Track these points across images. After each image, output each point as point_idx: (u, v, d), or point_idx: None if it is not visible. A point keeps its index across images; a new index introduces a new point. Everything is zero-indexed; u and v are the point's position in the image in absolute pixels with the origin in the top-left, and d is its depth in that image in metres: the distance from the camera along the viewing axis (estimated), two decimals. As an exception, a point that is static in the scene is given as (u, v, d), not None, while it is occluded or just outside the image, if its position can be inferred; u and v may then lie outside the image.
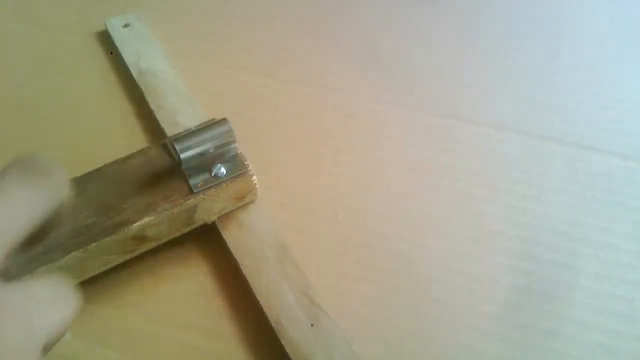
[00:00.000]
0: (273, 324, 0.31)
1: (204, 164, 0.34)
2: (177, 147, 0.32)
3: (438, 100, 0.46)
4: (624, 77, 0.48)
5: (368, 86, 0.47)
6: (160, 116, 0.41)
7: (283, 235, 0.35)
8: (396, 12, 0.54)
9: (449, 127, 0.44)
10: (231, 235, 0.35)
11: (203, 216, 0.35)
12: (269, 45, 0.50)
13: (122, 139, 0.42)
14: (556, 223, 0.38)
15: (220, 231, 0.35)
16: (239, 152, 0.35)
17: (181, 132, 0.34)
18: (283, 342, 0.30)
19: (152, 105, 0.41)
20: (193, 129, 0.34)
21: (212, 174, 0.34)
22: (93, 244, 0.30)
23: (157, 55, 0.45)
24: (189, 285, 0.34)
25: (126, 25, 0.47)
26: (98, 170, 0.34)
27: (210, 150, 0.33)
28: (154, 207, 0.32)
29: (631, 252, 0.37)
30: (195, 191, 0.33)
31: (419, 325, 0.33)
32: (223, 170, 0.34)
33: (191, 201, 0.33)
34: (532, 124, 0.44)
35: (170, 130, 0.40)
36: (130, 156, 0.35)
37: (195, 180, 0.33)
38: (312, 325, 0.31)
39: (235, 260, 0.34)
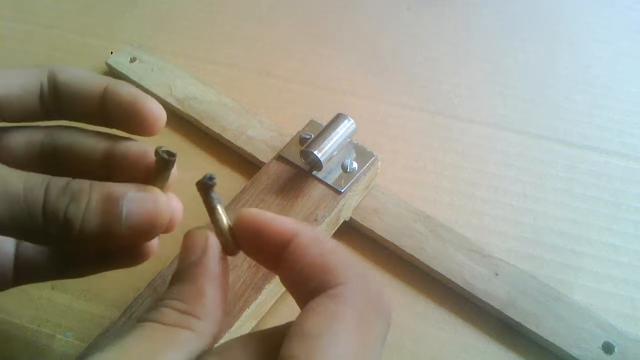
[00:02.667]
0: (462, 285, 0.33)
1: (335, 162, 0.34)
2: (316, 152, 0.32)
3: (438, 100, 0.46)
4: (623, 77, 0.48)
5: (368, 86, 0.47)
6: (229, 137, 0.40)
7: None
8: (396, 12, 0.54)
9: (449, 127, 0.44)
10: (375, 224, 0.35)
11: (344, 214, 0.35)
12: (269, 46, 0.50)
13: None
14: (557, 223, 0.38)
15: (362, 223, 0.35)
16: (356, 142, 0.35)
17: (307, 138, 0.35)
18: (479, 296, 0.32)
19: (215, 129, 0.40)
20: (320, 131, 0.34)
21: (347, 171, 0.34)
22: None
23: (187, 80, 0.44)
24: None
25: (133, 60, 0.45)
26: (234, 201, 0.33)
27: (338, 148, 0.33)
28: (313, 217, 0.32)
29: (631, 252, 0.37)
30: (342, 191, 0.33)
31: (419, 325, 0.33)
32: (355, 164, 0.34)
33: (341, 202, 0.33)
34: (532, 124, 0.44)
35: (249, 148, 0.39)
36: (256, 179, 0.34)
37: (336, 181, 0.34)
38: (496, 274, 0.33)
39: (391, 244, 0.34)
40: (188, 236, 0.20)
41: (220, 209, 0.21)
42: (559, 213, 0.39)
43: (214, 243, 0.20)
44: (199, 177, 0.21)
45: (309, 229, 0.20)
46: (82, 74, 0.24)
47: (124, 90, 0.23)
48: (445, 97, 0.46)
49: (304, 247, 0.19)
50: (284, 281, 0.20)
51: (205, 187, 0.21)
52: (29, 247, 0.25)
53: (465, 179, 0.40)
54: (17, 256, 0.24)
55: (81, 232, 0.20)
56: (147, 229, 0.21)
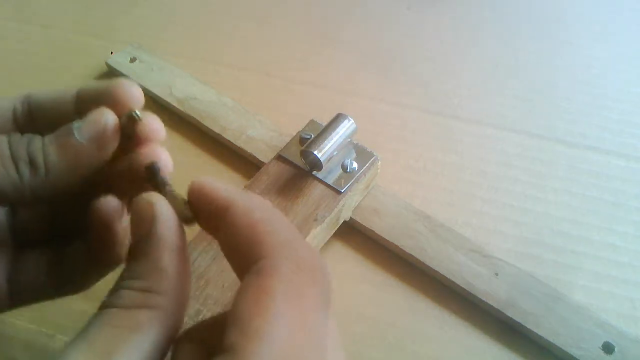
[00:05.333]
0: (463, 285, 0.33)
1: (335, 162, 0.34)
2: (316, 152, 0.32)
3: (438, 100, 0.46)
4: (624, 77, 0.48)
5: (368, 86, 0.47)
6: (229, 137, 0.40)
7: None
8: (396, 12, 0.54)
9: (449, 126, 0.44)
10: (375, 224, 0.35)
11: (344, 214, 0.35)
12: (269, 45, 0.50)
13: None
14: (556, 223, 0.38)
15: (362, 224, 0.35)
16: (356, 142, 0.36)
17: (307, 138, 0.35)
18: (480, 296, 0.32)
19: (215, 129, 0.40)
20: (319, 131, 0.34)
21: (347, 171, 0.34)
22: None
23: (187, 80, 0.44)
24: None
25: (133, 60, 0.45)
26: None
27: (338, 148, 0.33)
28: (313, 217, 0.32)
29: (631, 252, 0.37)
30: (342, 191, 0.33)
31: (419, 325, 0.33)
32: (355, 164, 0.34)
33: (341, 202, 0.33)
34: (532, 124, 0.44)
35: (249, 148, 0.39)
36: (256, 179, 0.34)
37: (336, 181, 0.34)
38: (496, 274, 0.33)
39: (391, 244, 0.34)
40: (133, 206, 0.19)
41: (169, 186, 0.20)
42: (559, 213, 0.39)
43: (163, 209, 0.18)
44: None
45: (245, 197, 0.18)
46: (55, 89, 0.24)
47: (96, 82, 0.23)
48: (445, 97, 0.46)
49: (234, 218, 0.18)
50: (225, 257, 0.19)
51: (153, 170, 0.21)
52: (24, 267, 0.24)
53: (465, 179, 0.40)
54: (11, 277, 0.23)
55: (47, 167, 0.21)
56: (104, 132, 0.21)
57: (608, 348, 0.30)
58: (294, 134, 0.37)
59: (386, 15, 0.53)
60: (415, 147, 0.42)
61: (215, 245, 0.31)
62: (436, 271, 0.33)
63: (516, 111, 0.45)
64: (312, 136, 0.34)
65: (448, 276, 0.33)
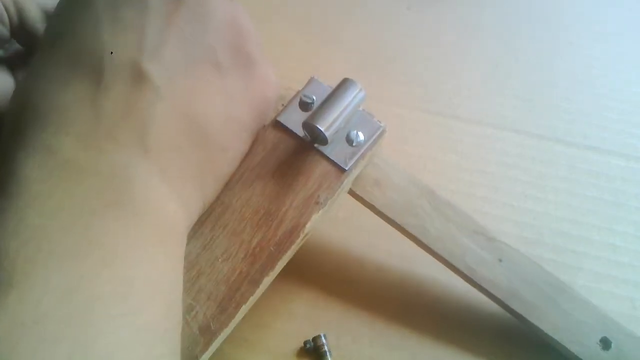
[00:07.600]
0: (464, 271, 0.30)
1: (339, 135, 0.30)
2: (321, 127, 0.27)
3: (438, 100, 0.46)
4: (624, 77, 0.48)
5: (368, 85, 0.47)
6: None
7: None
8: (396, 12, 0.54)
9: (449, 127, 0.44)
10: (375, 198, 0.31)
11: (345, 188, 0.31)
12: (269, 45, 0.50)
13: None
14: (556, 223, 0.38)
15: (361, 196, 0.31)
16: (361, 108, 0.31)
17: (308, 102, 0.30)
18: (481, 284, 0.30)
19: None
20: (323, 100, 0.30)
21: (353, 144, 0.30)
22: (279, 262, 0.27)
23: None
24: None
25: None
26: (230, 180, 0.29)
27: (345, 119, 0.29)
28: (315, 199, 0.28)
29: (631, 252, 0.37)
30: (347, 168, 0.29)
31: (419, 326, 0.33)
32: (361, 136, 0.30)
33: (345, 181, 0.29)
34: (532, 124, 0.44)
35: None
36: (250, 150, 0.30)
37: (340, 156, 0.29)
38: (500, 260, 0.31)
39: (393, 222, 0.31)
40: None
41: None
42: (559, 213, 0.38)
43: None
44: None
45: None
46: None
47: None
48: (445, 97, 0.46)
49: None
50: None
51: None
52: None
53: (465, 179, 0.40)
54: None
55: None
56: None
57: (606, 343, 0.30)
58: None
59: (386, 15, 0.53)
60: (415, 147, 0.42)
61: (206, 231, 0.28)
62: (438, 254, 0.31)
63: (516, 111, 0.45)
64: (315, 100, 0.30)
65: (450, 260, 0.31)
